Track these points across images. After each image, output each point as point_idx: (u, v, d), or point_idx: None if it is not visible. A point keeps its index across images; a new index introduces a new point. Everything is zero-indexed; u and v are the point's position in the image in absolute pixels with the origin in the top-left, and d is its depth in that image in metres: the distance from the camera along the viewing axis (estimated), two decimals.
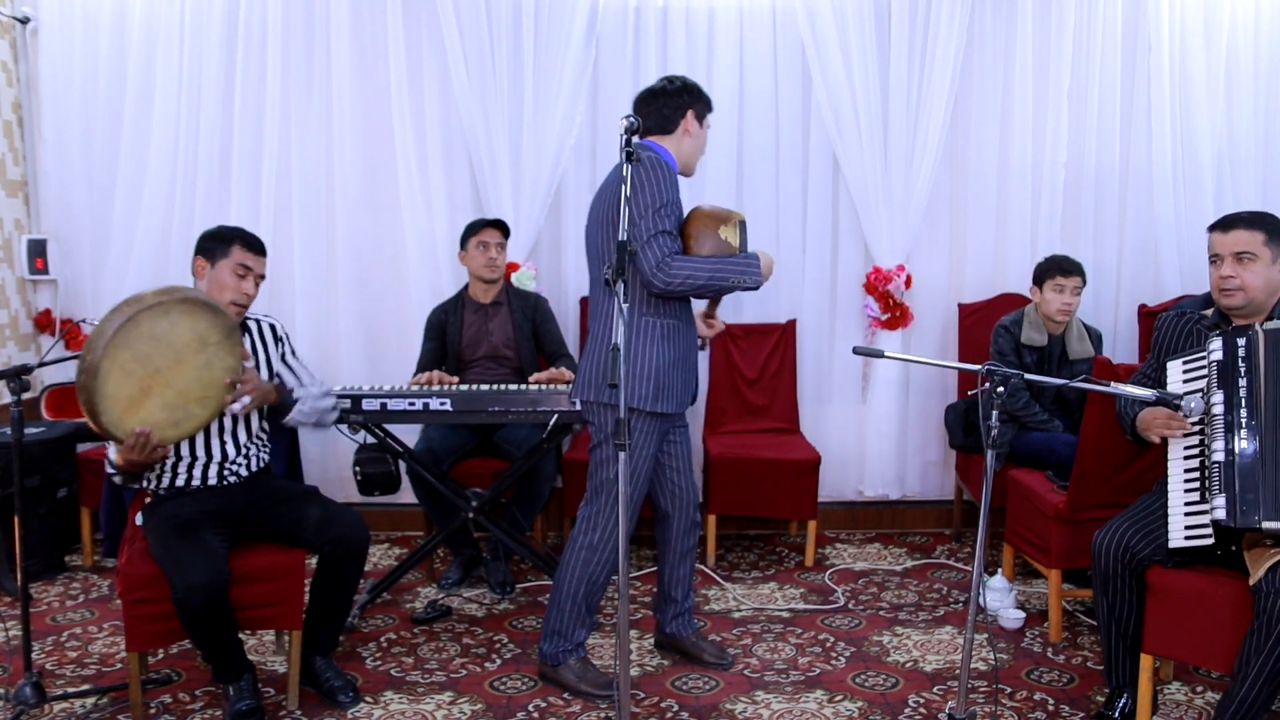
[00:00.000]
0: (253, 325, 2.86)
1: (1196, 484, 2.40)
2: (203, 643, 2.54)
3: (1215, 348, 2.38)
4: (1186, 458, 2.44)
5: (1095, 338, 3.82)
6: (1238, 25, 4.26)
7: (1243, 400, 2.32)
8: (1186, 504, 2.41)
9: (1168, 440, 2.48)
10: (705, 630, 3.25)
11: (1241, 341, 2.35)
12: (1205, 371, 2.40)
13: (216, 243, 2.75)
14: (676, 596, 3.02)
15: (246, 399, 2.65)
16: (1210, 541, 2.35)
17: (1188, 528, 2.39)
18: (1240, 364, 2.34)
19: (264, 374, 2.84)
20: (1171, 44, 4.21)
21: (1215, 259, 2.46)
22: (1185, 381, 2.46)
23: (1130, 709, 2.57)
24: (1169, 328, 2.62)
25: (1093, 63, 4.22)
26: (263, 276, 2.82)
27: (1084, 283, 3.73)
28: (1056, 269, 3.68)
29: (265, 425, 2.89)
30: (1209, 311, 2.59)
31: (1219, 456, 2.33)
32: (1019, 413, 3.65)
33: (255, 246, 2.79)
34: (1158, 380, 2.61)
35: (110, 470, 2.64)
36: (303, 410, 2.85)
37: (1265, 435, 2.29)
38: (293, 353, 2.92)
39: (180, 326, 2.47)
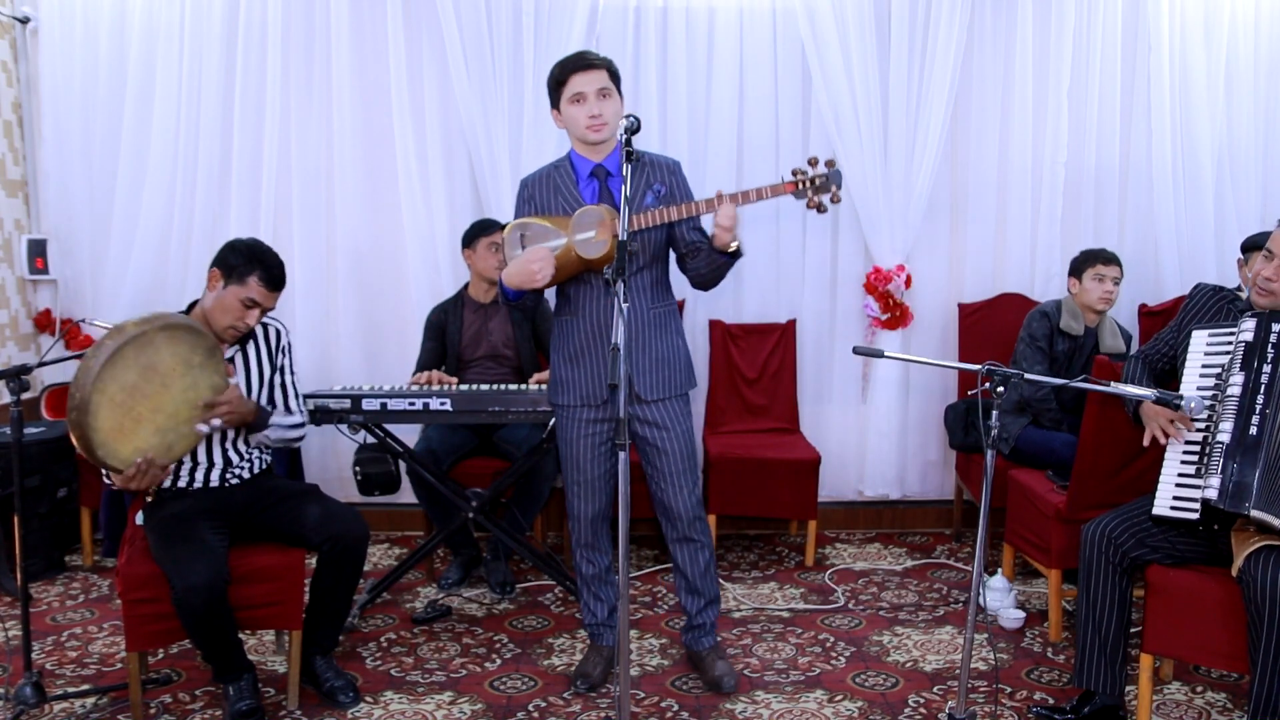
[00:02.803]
0: (258, 328, 2.85)
1: (1195, 458, 2.39)
2: (203, 643, 2.54)
3: (1247, 328, 2.37)
4: (1191, 430, 2.43)
5: (1126, 338, 3.83)
6: (1238, 25, 4.25)
7: (1262, 386, 2.31)
8: (1180, 475, 2.40)
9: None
10: None
11: (1277, 327, 2.33)
12: (1230, 348, 2.39)
13: (240, 261, 2.68)
14: (685, 608, 2.93)
15: (218, 421, 2.62)
16: (1195, 517, 2.34)
17: (1175, 498, 2.39)
18: (1270, 349, 2.32)
19: (266, 373, 2.84)
20: (1171, 44, 4.21)
21: (1269, 254, 2.42)
22: (1207, 353, 2.44)
23: (1099, 714, 2.55)
24: (1203, 299, 2.61)
25: (1093, 63, 4.22)
26: (271, 309, 2.77)
27: (1122, 274, 3.75)
28: (1096, 258, 3.70)
29: None
30: (1245, 294, 2.58)
31: (1224, 437, 2.32)
32: (1036, 404, 3.65)
33: (274, 282, 2.72)
34: (1174, 346, 2.60)
35: (108, 481, 2.65)
36: (269, 436, 2.81)
37: (1274, 426, 2.28)
38: (290, 368, 2.90)
39: (164, 352, 2.49)
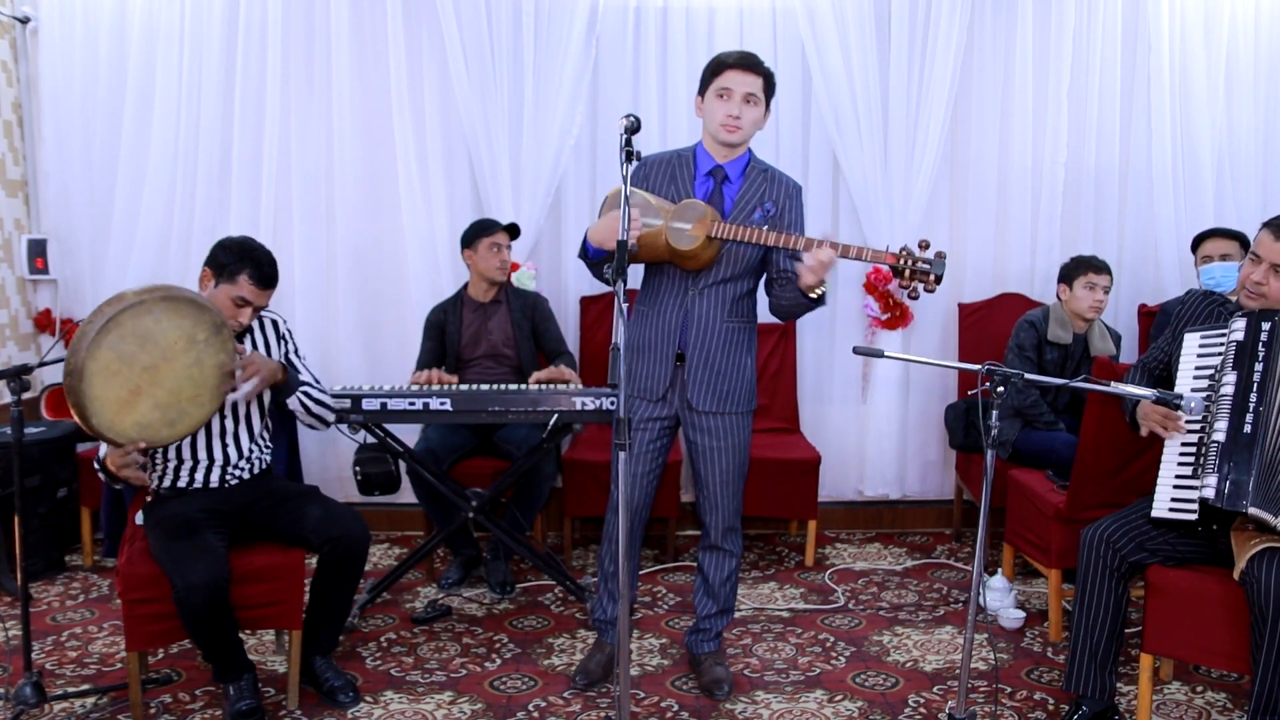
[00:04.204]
0: (255, 322, 2.84)
1: (1191, 459, 2.40)
2: (203, 642, 2.54)
3: (1238, 328, 2.38)
4: (1187, 431, 2.43)
5: (1116, 338, 3.83)
6: (1238, 25, 4.26)
7: (1255, 384, 2.32)
8: (1178, 477, 2.41)
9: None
10: None
11: (1266, 326, 2.34)
12: (1222, 349, 2.40)
13: (229, 259, 2.66)
14: (697, 608, 2.93)
15: (249, 385, 2.62)
16: (1193, 518, 2.35)
17: (1174, 500, 2.39)
18: (1260, 348, 2.33)
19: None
20: (1171, 44, 4.21)
21: (1254, 258, 2.42)
22: (1200, 355, 2.45)
23: None
24: (1193, 304, 2.63)
25: (1093, 63, 4.22)
26: (264, 307, 2.75)
27: (1112, 282, 3.75)
28: (1089, 267, 3.70)
29: (269, 425, 2.88)
30: (1235, 297, 2.59)
31: (1219, 437, 2.33)
32: (1027, 410, 3.65)
33: (264, 280, 2.68)
34: (1169, 353, 2.61)
35: (101, 474, 2.63)
36: (309, 396, 2.80)
37: (1268, 423, 2.29)
38: (296, 352, 2.90)
39: (165, 324, 2.44)
